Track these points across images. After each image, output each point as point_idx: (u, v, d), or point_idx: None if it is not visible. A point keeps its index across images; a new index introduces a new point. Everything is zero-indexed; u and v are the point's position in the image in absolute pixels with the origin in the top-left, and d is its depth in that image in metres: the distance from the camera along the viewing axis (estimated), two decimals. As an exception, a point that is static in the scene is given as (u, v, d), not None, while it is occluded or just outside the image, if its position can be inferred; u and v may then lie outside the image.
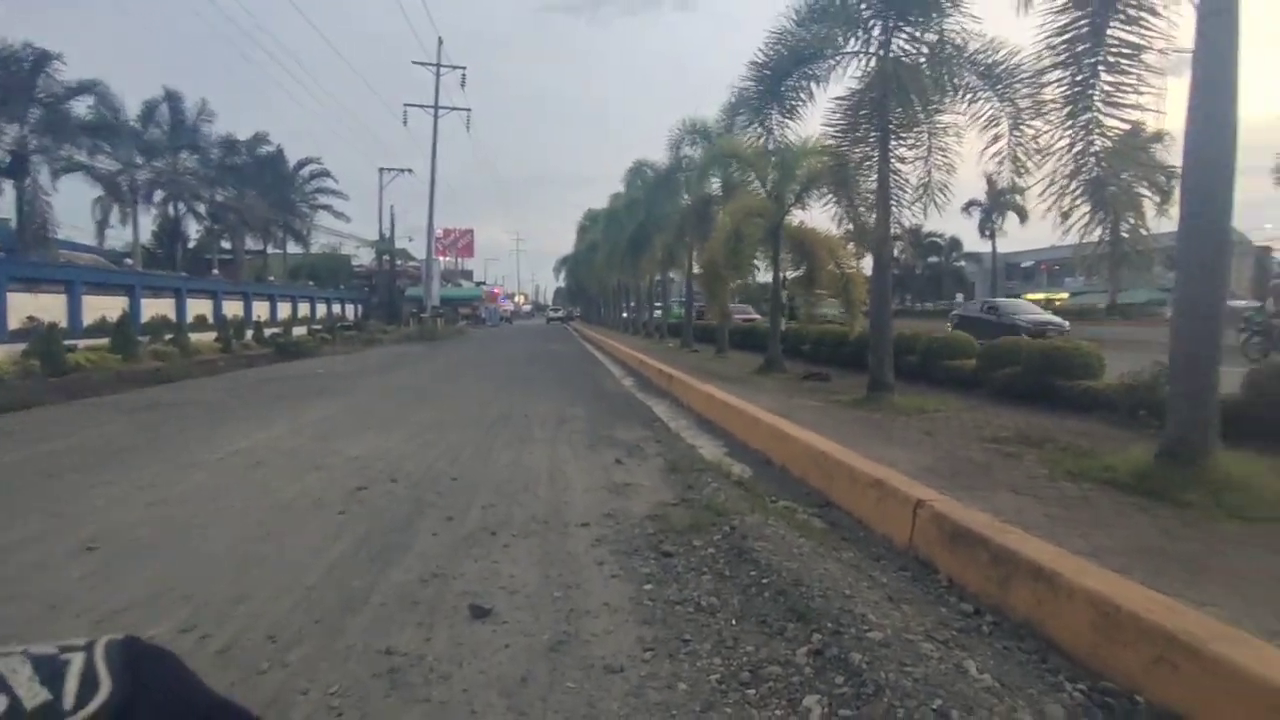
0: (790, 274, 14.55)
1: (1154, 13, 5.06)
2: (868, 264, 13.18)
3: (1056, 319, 20.95)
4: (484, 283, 77.85)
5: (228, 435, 7.24)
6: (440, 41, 33.38)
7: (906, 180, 8.52)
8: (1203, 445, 4.21)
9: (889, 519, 3.88)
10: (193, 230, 32.00)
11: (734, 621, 2.76)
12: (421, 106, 33.48)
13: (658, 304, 31.63)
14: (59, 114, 21.76)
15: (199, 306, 25.44)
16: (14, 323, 16.91)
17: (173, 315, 23.17)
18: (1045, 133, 6.40)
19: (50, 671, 0.34)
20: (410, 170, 40.61)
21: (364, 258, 50.47)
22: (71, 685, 0.34)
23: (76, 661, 0.36)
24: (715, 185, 17.75)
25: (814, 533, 3.89)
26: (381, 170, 39.59)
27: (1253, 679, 1.93)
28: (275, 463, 5.91)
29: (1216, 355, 4.41)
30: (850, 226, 9.56)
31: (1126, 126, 5.45)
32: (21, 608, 3.01)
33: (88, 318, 19.62)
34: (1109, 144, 5.41)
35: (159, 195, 27.18)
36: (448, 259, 63.91)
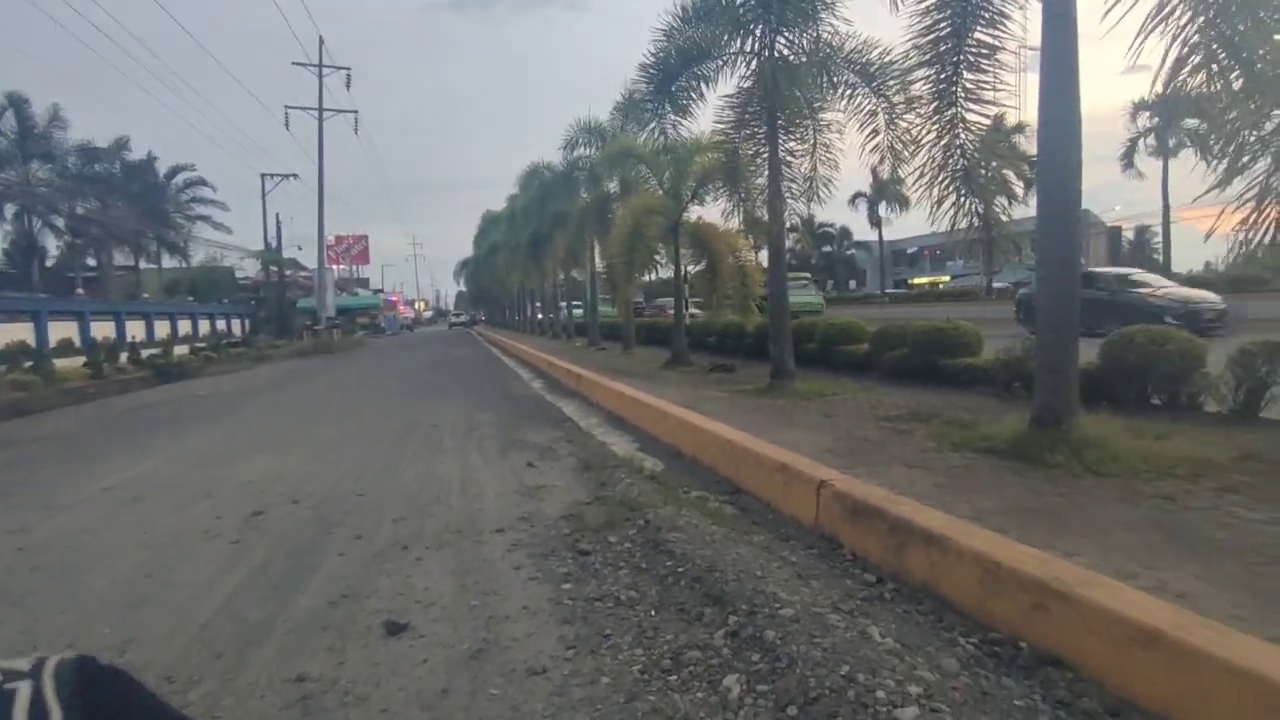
0: (692, 268, 14.85)
1: (1008, 16, 5.50)
2: (764, 257, 13.71)
3: (1209, 296, 14.61)
4: (382, 290, 75.24)
5: (98, 470, 6.71)
6: (321, 41, 32.03)
7: (797, 174, 8.86)
8: (1066, 411, 4.62)
9: (795, 500, 4.06)
10: (52, 246, 29.42)
11: (653, 612, 2.84)
12: (305, 109, 32.02)
13: (563, 303, 31.53)
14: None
15: (63, 329, 23.48)
16: None
17: (32, 340, 21.28)
18: (916, 126, 6.81)
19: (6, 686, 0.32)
20: (296, 176, 38.60)
21: (249, 269, 47.78)
22: (21, 712, 0.32)
23: (24, 691, 0.33)
24: (614, 184, 17.87)
25: (725, 519, 4.03)
26: (264, 176, 37.63)
27: (1114, 616, 2.16)
28: (155, 496, 5.54)
29: (1074, 330, 4.85)
30: (744, 220, 9.86)
31: (987, 121, 5.90)
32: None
33: (-71, 348, 17.77)
34: (973, 136, 5.83)
35: (10, 209, 24.83)
36: (342, 267, 61.47)
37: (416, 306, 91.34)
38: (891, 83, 8.07)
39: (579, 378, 11.23)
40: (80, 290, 29.61)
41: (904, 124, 8.00)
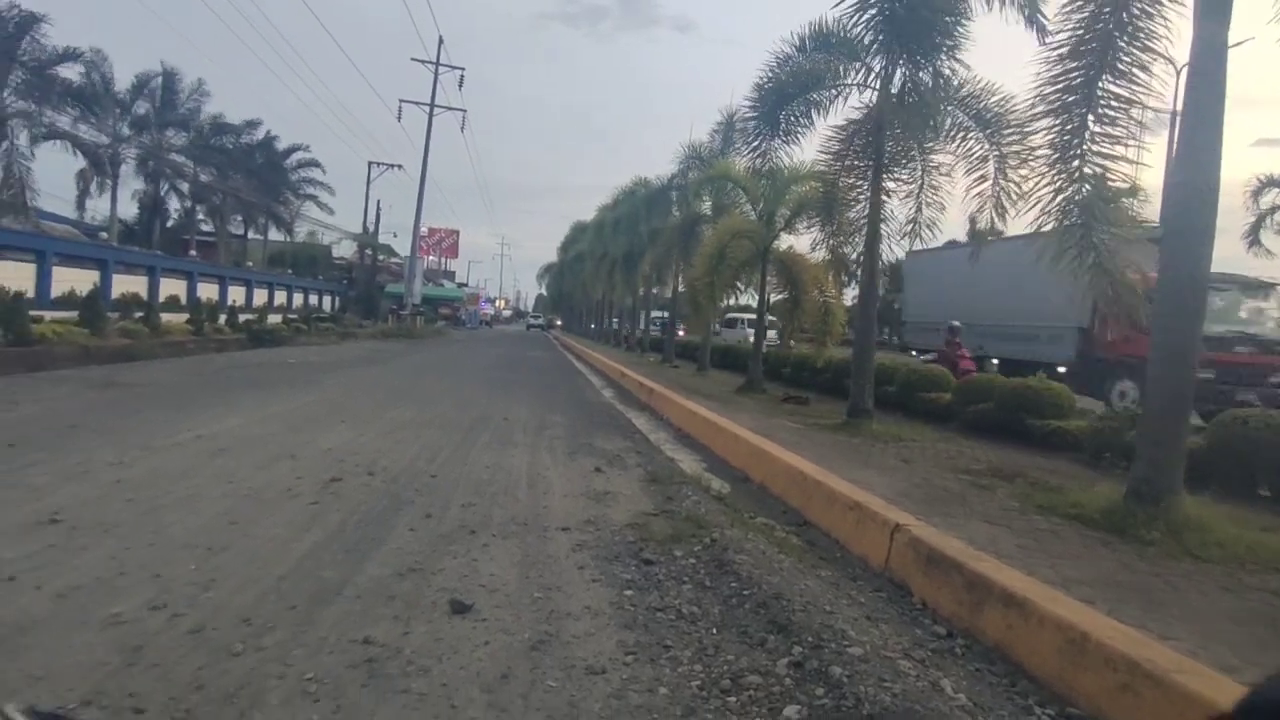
0: (774, 297, 14.73)
1: (1145, 69, 5.27)
2: (848, 295, 13.49)
3: None
4: (466, 284, 77.46)
5: (192, 420, 7.11)
6: (441, 41, 33.42)
7: (893, 214, 8.71)
8: (1167, 488, 4.35)
9: (866, 541, 3.95)
10: (174, 209, 31.52)
11: (715, 630, 2.80)
12: (418, 104, 33.44)
13: (656, 314, 31.85)
14: (44, 78, 21.37)
15: (173, 286, 25.03)
16: (-21, 291, 16.50)
17: (145, 293, 22.77)
18: (1030, 178, 6.59)
19: None
20: (400, 166, 40.37)
21: (345, 250, 49.99)
22: None
23: None
24: (706, 205, 17.94)
25: (792, 549, 3.95)
26: (371, 164, 39.43)
27: (1214, 710, 2.01)
28: (242, 451, 5.82)
29: (1188, 404, 4.57)
30: (835, 255, 9.75)
31: (1111, 177, 5.65)
32: (-10, 576, 2.95)
33: (57, 289, 19.24)
34: (1094, 192, 5.59)
35: (143, 170, 26.76)
36: (432, 258, 63.56)
37: (496, 304, 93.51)
38: (1008, 131, 7.85)
39: (651, 391, 11.27)
40: (193, 252, 31.55)
41: (1016, 175, 7.77)
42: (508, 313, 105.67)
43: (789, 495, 5.22)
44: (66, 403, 7.86)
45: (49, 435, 5.95)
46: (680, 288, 20.95)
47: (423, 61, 33.05)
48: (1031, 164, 6.47)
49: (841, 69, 8.80)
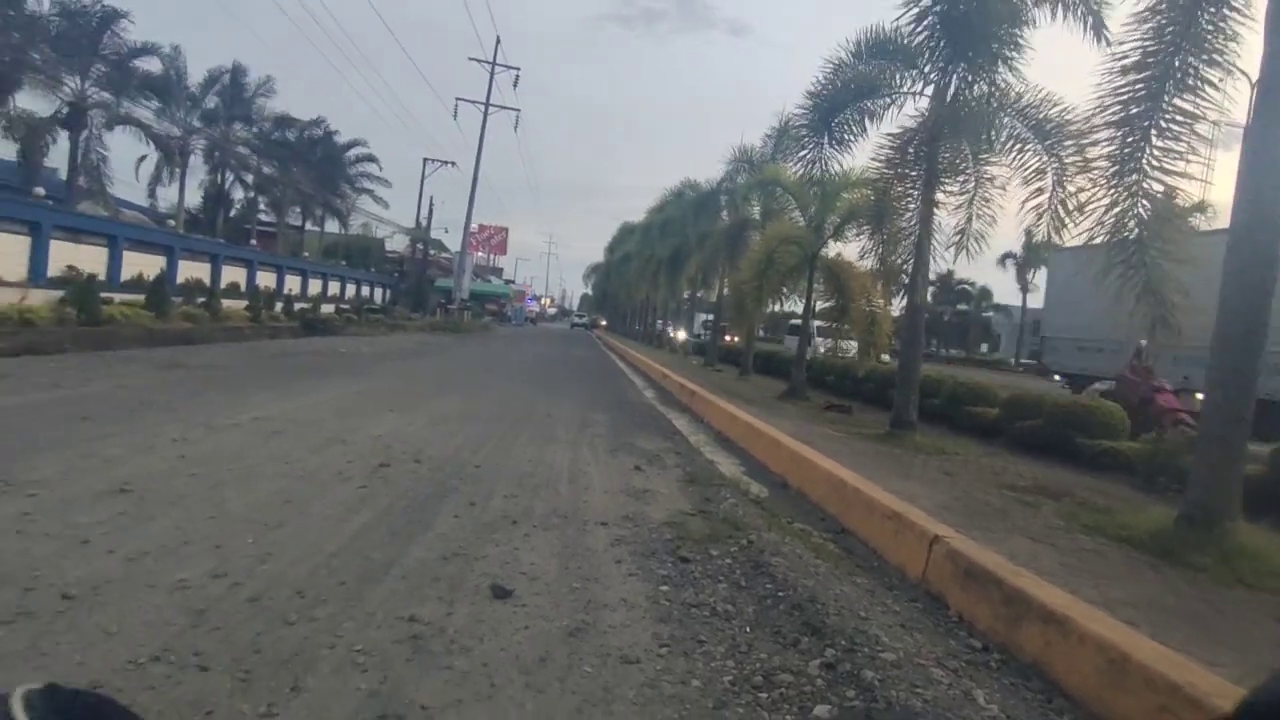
0: (820, 304, 14.64)
1: (1212, 84, 5.13)
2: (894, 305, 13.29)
3: None
4: (513, 281, 78.44)
5: (249, 402, 7.41)
6: (498, 41, 34.02)
7: (941, 225, 8.60)
8: (1222, 513, 4.23)
9: (904, 551, 3.94)
10: (237, 199, 32.67)
11: (748, 629, 2.84)
12: (473, 102, 34.02)
13: (701, 317, 32.03)
14: (122, 71, 22.34)
15: (234, 274, 25.91)
16: (55, 270, 17.33)
17: (207, 279, 23.63)
18: (1087, 191, 6.45)
19: None
20: (454, 164, 41.09)
21: (397, 244, 51.07)
22: None
23: None
24: (755, 210, 17.91)
25: (829, 555, 3.96)
26: (425, 160, 40.23)
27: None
28: (296, 434, 6.05)
29: (1246, 429, 4.43)
30: (883, 264, 9.65)
31: (1171, 193, 5.51)
32: (54, 544, 3.14)
33: (126, 273, 20.08)
34: (1151, 207, 5.46)
35: (209, 161, 27.84)
36: (480, 254, 64.49)
37: (542, 302, 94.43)
38: (1068, 142, 7.69)
39: (692, 394, 11.30)
40: (253, 241, 32.62)
41: (1073, 187, 7.60)
42: (553, 311, 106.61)
43: (827, 502, 5.22)
44: (134, 381, 8.25)
45: (119, 411, 6.26)
46: (725, 291, 20.94)
47: (480, 61, 33.65)
48: (1089, 176, 6.36)
49: (897, 77, 8.73)
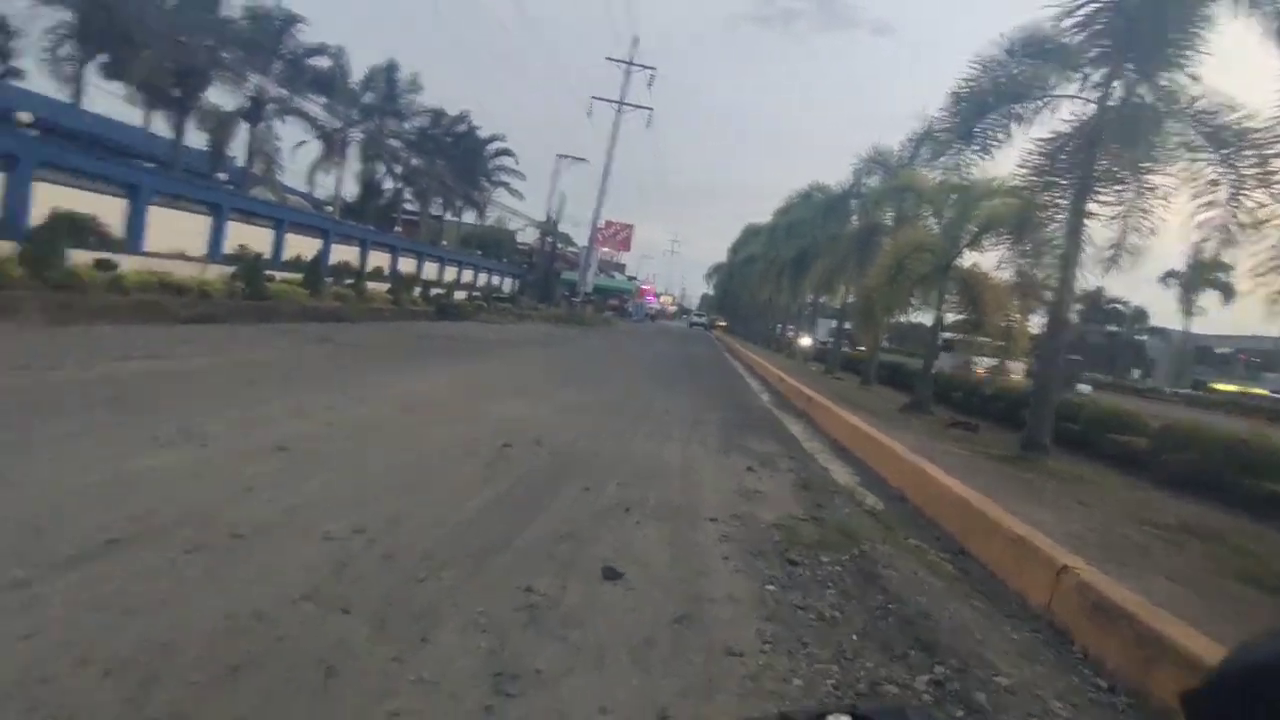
0: (950, 317, 13.99)
1: None
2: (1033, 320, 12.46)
3: None
4: (635, 278, 79.55)
5: (388, 378, 8.00)
6: (635, 40, 34.59)
7: (1092, 237, 7.99)
8: None
9: (1027, 578, 3.75)
10: (386, 189, 34.99)
11: (855, 637, 2.81)
12: (608, 101, 34.82)
13: (830, 324, 31.31)
14: (297, 69, 24.49)
15: (379, 259, 27.80)
16: (229, 249, 19.25)
17: (356, 263, 25.48)
18: (1268, 206, 5.83)
19: None
20: (585, 160, 42.30)
21: (527, 236, 53.01)
22: None
23: None
24: (887, 215, 17.32)
25: (945, 574, 3.83)
26: (559, 157, 41.56)
27: None
28: (429, 410, 6.48)
29: None
30: (1023, 276, 9.11)
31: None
32: (224, 489, 3.54)
33: (287, 253, 21.99)
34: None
35: (363, 153, 30.03)
36: (605, 250, 65.85)
37: (662, 300, 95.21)
38: (1248, 152, 6.97)
39: (810, 400, 11.11)
40: (398, 229, 34.86)
41: (1251, 201, 6.90)
42: (672, 309, 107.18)
43: (947, 520, 5.02)
44: (290, 353, 9.08)
45: (278, 379, 6.94)
46: (851, 297, 20.37)
47: (617, 60, 34.38)
48: (1270, 190, 5.75)
49: (1052, 78, 8.19)
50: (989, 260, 12.32)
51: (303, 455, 4.33)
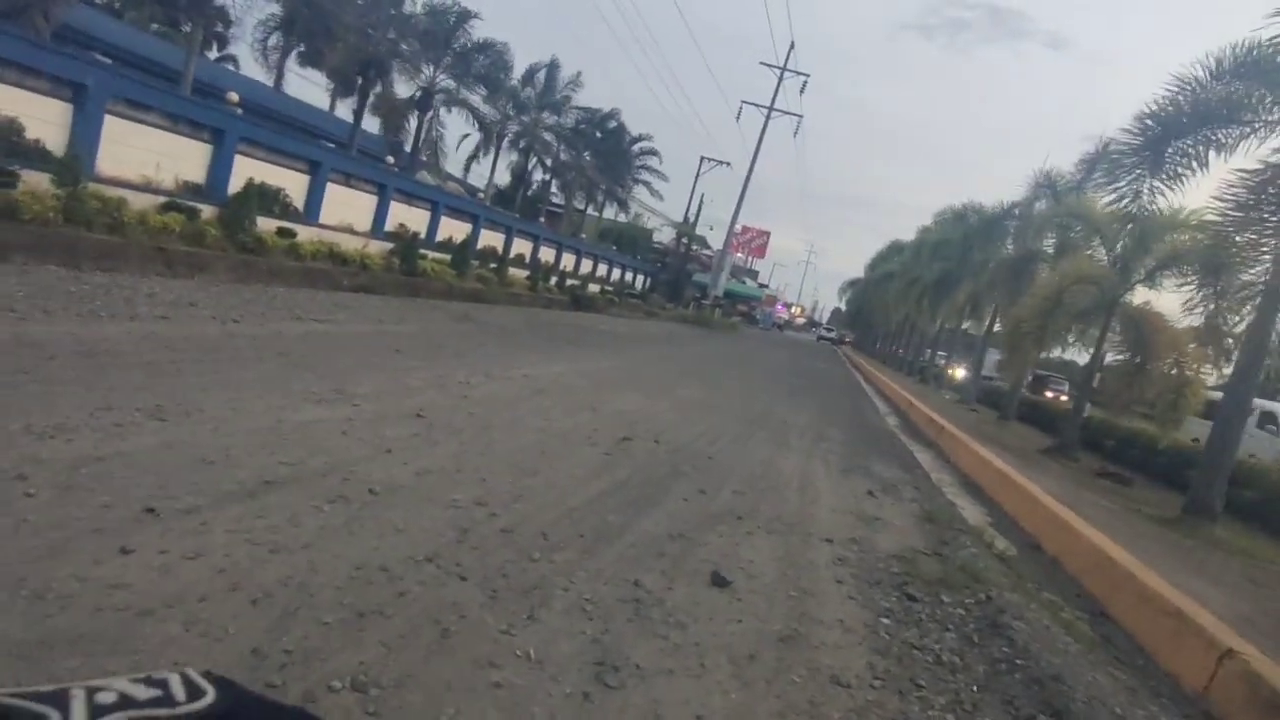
0: (1111, 358, 12.79)
1: None
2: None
3: None
4: (766, 285, 78.44)
5: (520, 360, 8.29)
6: (792, 46, 34.04)
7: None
8: None
9: (1183, 658, 3.35)
10: (536, 180, 36.38)
11: (975, 689, 2.61)
12: (757, 105, 34.47)
13: (942, 352, 29.49)
14: (465, 62, 25.92)
15: (521, 246, 28.92)
16: (389, 226, 20.64)
17: (500, 248, 26.65)
18: None
19: (153, 681, 0.35)
20: (729, 164, 42.08)
21: (663, 235, 53.48)
22: (178, 688, 0.35)
23: (175, 675, 0.36)
24: (1048, 242, 16.11)
25: (1082, 637, 3.49)
26: (702, 159, 41.60)
27: None
28: (555, 395, 6.65)
29: None
30: (1210, 322, 8.17)
31: None
32: (366, 448, 3.78)
33: (440, 235, 23.32)
34: None
35: (515, 145, 31.36)
36: (739, 255, 65.40)
37: (792, 310, 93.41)
38: None
39: (940, 429, 10.51)
40: (542, 219, 36.13)
41: None
42: (801, 320, 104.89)
43: (1088, 578, 4.58)
44: (435, 327, 9.61)
45: (422, 350, 7.34)
46: (997, 326, 19.12)
47: (770, 65, 33.95)
48: None
49: (1266, 102, 7.28)
50: (1166, 302, 11.18)
51: (437, 424, 4.56)
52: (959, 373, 26.46)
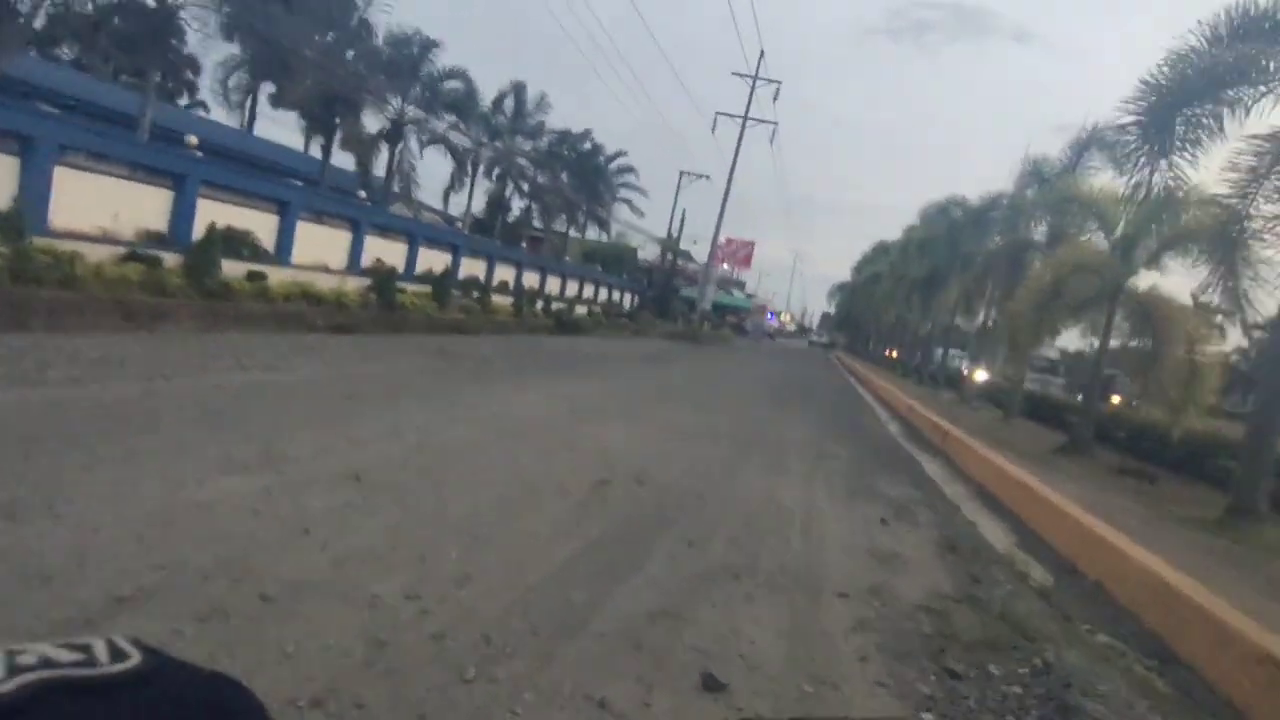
0: (1116, 344, 12.23)
1: None
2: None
3: None
4: (754, 295, 78.02)
5: (495, 394, 7.68)
6: (762, 54, 33.76)
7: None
8: None
9: (1290, 721, 2.71)
10: (515, 206, 35.89)
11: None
12: (732, 116, 34.10)
13: (939, 349, 28.95)
14: (432, 93, 25.46)
15: (504, 273, 28.35)
16: (366, 262, 20.03)
17: (482, 277, 26.06)
18: None
19: (76, 645, 0.32)
20: (707, 177, 41.73)
21: (648, 252, 53.04)
22: (102, 652, 0.32)
23: (100, 641, 0.34)
24: (1039, 230, 15.64)
25: (1159, 696, 2.86)
26: (681, 173, 41.26)
27: None
28: (528, 434, 6.01)
29: None
30: (1228, 301, 7.61)
31: None
32: (278, 530, 3.13)
33: (419, 267, 22.73)
34: None
35: (491, 172, 30.89)
36: (725, 267, 65.03)
37: (781, 318, 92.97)
38: None
39: (945, 435, 9.90)
40: (524, 245, 35.60)
41: None
42: (791, 328, 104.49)
43: (1143, 610, 3.94)
44: (403, 365, 8.97)
45: (379, 394, 6.69)
46: (991, 321, 18.60)
47: (742, 75, 33.61)
48: None
49: (1272, 63, 6.75)
50: (1172, 283, 10.64)
51: (377, 488, 3.90)
52: (979, 374, 21.13)
